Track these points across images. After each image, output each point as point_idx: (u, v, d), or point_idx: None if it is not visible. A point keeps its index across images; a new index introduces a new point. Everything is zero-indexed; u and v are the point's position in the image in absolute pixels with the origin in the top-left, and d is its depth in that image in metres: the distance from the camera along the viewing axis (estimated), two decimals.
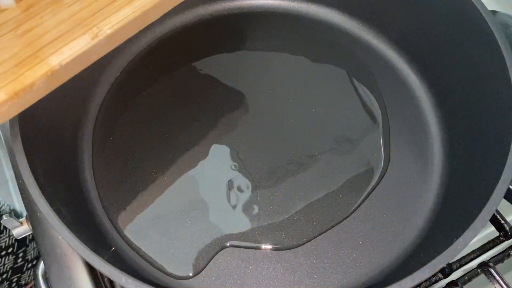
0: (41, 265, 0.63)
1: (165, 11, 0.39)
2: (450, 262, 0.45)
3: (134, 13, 0.37)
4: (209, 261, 0.47)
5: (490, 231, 0.49)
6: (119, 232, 0.49)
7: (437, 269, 0.35)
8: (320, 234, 0.48)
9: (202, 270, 0.46)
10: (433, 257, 0.36)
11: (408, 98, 0.57)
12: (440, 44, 0.53)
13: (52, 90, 0.36)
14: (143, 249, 0.48)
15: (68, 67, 0.35)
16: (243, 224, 0.49)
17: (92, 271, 0.47)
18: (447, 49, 0.52)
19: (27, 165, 0.39)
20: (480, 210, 0.38)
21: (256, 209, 0.50)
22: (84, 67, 0.37)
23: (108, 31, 0.36)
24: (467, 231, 0.37)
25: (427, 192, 0.51)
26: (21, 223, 0.53)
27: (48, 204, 0.38)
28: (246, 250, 0.48)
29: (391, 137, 0.54)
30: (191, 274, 0.46)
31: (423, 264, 0.36)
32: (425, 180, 0.51)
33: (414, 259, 0.45)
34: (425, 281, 0.44)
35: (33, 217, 0.50)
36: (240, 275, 0.46)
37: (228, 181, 0.51)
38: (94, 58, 0.37)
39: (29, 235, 0.53)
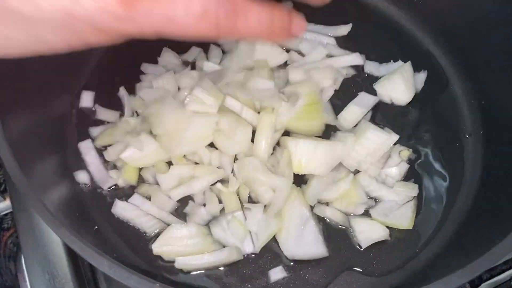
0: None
1: None
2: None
3: None
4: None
5: None
6: (102, 213, 0.43)
7: (475, 275, 0.29)
8: None
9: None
10: (468, 262, 0.31)
11: (444, 94, 0.51)
12: (483, 39, 0.48)
13: None
14: (124, 230, 0.43)
15: None
16: None
17: (71, 253, 0.42)
18: (491, 45, 0.47)
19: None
20: None
21: None
22: None
23: None
24: (508, 236, 0.32)
25: (459, 194, 0.45)
26: (4, 198, 0.49)
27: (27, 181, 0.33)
28: None
29: None
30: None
31: (456, 269, 0.31)
32: (457, 182, 0.46)
33: (443, 264, 0.40)
34: None
35: (13, 193, 0.45)
36: None
37: None
38: None
39: None
